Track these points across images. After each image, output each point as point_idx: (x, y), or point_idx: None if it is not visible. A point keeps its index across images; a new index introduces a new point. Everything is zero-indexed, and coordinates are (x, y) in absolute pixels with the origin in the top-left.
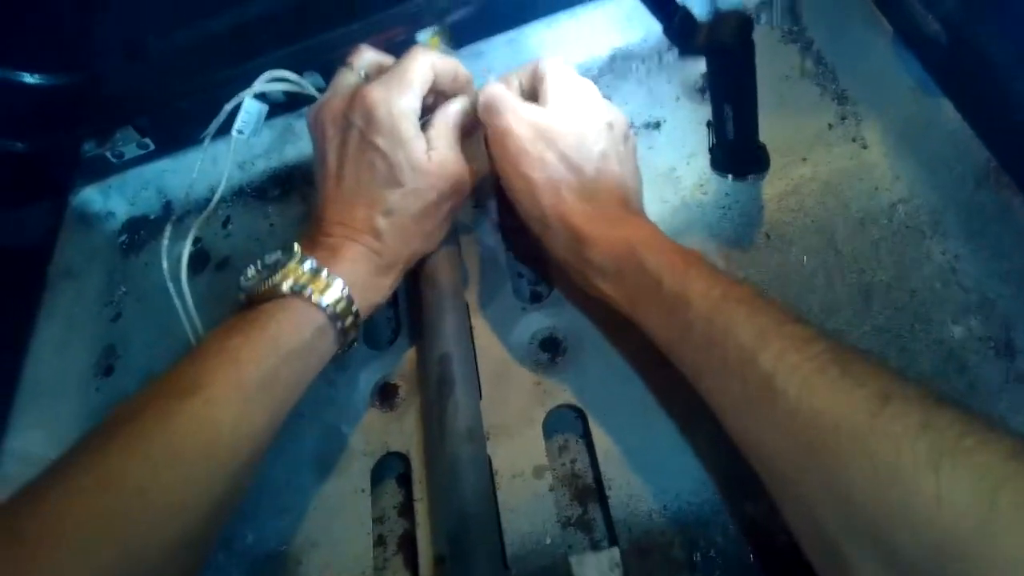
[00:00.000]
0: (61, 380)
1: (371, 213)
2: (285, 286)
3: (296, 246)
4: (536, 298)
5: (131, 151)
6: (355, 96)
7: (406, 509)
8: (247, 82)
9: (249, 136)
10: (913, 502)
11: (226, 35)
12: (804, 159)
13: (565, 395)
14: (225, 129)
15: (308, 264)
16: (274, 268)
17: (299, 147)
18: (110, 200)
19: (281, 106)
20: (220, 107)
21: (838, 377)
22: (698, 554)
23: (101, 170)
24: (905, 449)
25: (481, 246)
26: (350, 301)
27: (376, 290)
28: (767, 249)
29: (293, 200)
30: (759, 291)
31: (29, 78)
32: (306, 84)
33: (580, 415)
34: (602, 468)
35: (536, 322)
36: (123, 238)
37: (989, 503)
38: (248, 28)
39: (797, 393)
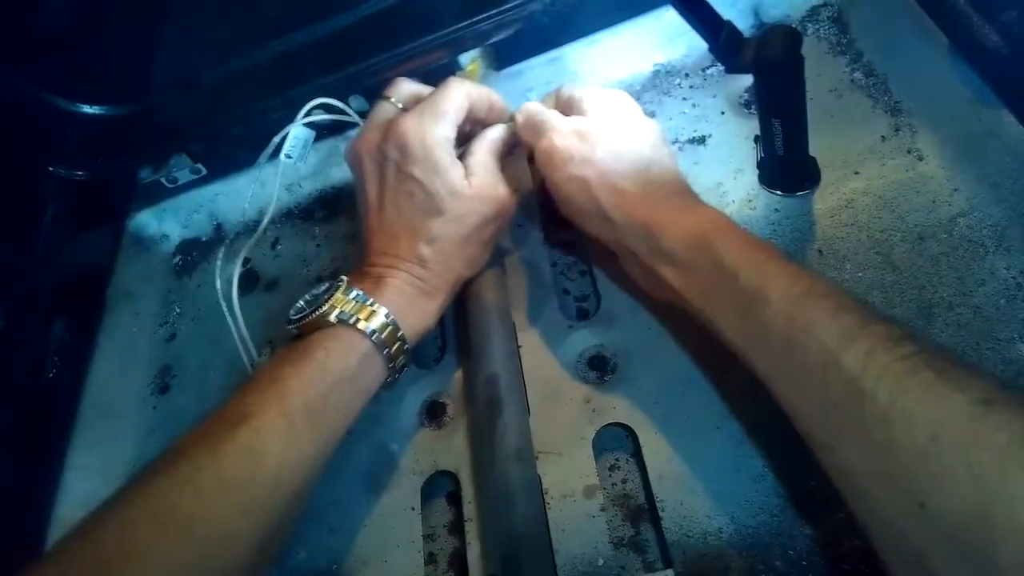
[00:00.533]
0: (120, 399)
1: (414, 242)
2: (332, 316)
3: (343, 278)
4: (583, 315)
5: (184, 176)
6: (389, 128)
7: (456, 527)
8: (294, 107)
9: (296, 161)
10: (1020, 518)
11: (273, 64)
12: (857, 172)
13: (615, 413)
14: (274, 153)
15: (354, 294)
16: (321, 299)
17: (344, 169)
18: (164, 224)
19: (327, 129)
20: (269, 132)
21: (934, 380)
22: None
23: (156, 195)
24: (1011, 460)
25: (526, 265)
26: (396, 328)
27: (423, 316)
28: (820, 266)
29: (339, 221)
30: (842, 289)
31: (88, 109)
32: (349, 110)
33: (630, 434)
34: (654, 488)
35: (584, 340)
36: (177, 260)
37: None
38: (294, 56)
39: (888, 396)
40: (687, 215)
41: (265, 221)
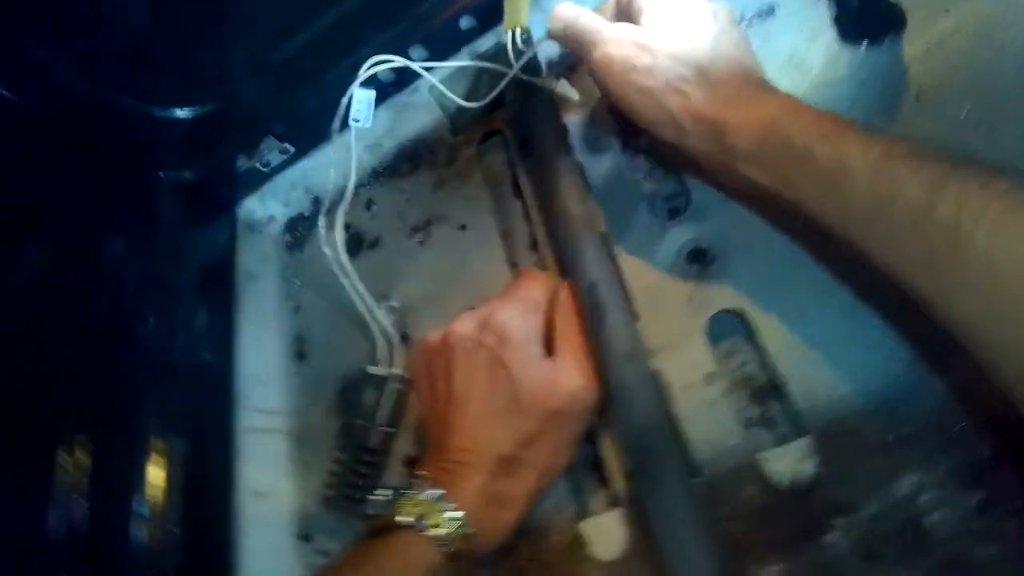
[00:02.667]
0: (266, 370)
1: (496, 439)
2: (404, 518)
3: (421, 474)
4: (675, 214)
5: (276, 158)
6: (487, 318)
7: (589, 432)
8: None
9: (363, 123)
10: None
11: (333, 30)
12: (947, 10)
13: (722, 301)
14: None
15: (428, 494)
16: (396, 498)
17: (416, 120)
18: (268, 206)
19: (393, 85)
20: (342, 97)
21: None
22: (891, 435)
23: (256, 180)
24: None
25: (610, 172)
26: (470, 538)
27: (500, 528)
28: (917, 116)
29: (422, 170)
30: (922, 144)
31: (180, 113)
32: (404, 61)
33: (741, 318)
34: (774, 366)
35: (679, 236)
36: (287, 237)
37: None
38: (351, 19)
39: (987, 239)
40: (757, 107)
41: (350, 186)
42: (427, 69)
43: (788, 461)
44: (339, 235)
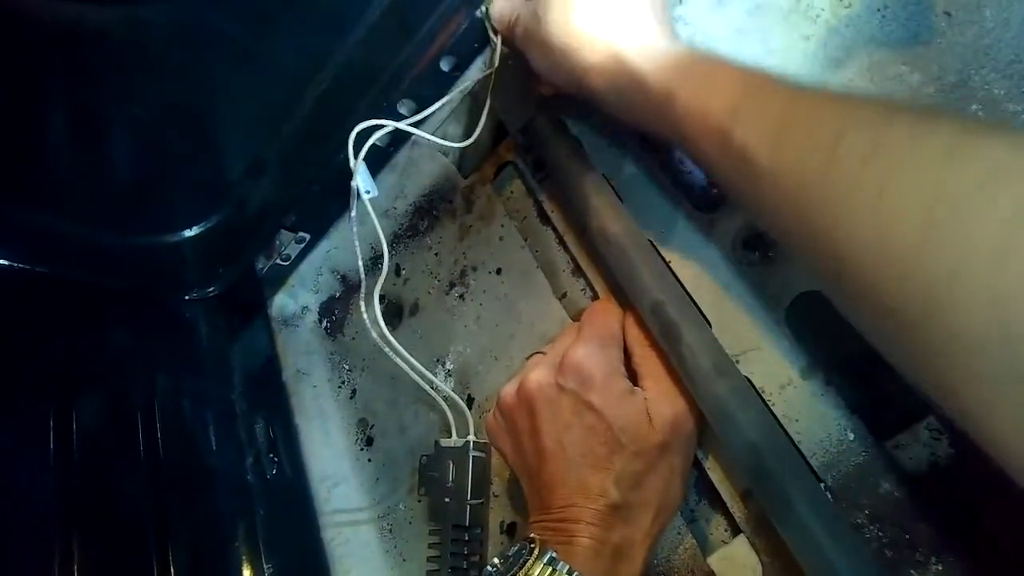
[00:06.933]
0: (339, 466)
1: (602, 485)
2: None
3: (535, 538)
4: (717, 202)
5: (293, 250)
6: (562, 362)
7: (695, 460)
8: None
9: (373, 192)
10: (853, 200)
11: (318, 108)
12: None
13: (798, 284)
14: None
15: (548, 558)
16: (514, 567)
17: (423, 173)
18: (299, 298)
19: (391, 146)
20: (341, 174)
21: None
22: None
23: (279, 277)
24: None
25: (636, 176)
26: None
27: None
28: (953, 30)
29: (443, 222)
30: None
31: (190, 232)
32: (391, 123)
33: (820, 296)
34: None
35: (729, 225)
36: (324, 324)
37: (931, 203)
38: (332, 93)
39: (768, 157)
40: (612, 48)
41: (386, 259)
42: (416, 124)
43: (920, 442)
44: (377, 310)
